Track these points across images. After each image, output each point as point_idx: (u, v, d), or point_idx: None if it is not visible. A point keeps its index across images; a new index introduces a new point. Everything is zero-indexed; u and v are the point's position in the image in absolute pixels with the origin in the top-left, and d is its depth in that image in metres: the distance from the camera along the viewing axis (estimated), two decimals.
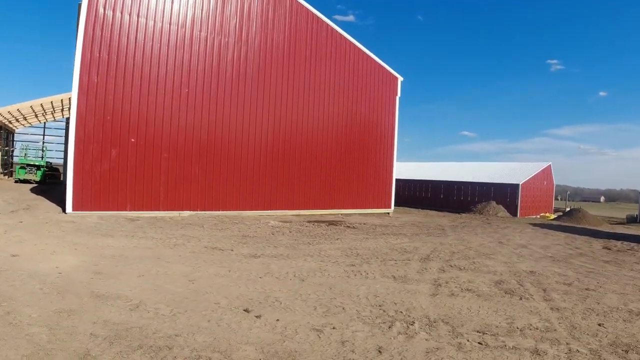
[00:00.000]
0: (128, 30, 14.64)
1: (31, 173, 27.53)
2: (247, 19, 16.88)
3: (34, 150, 31.53)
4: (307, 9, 18.11)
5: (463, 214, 29.36)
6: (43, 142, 36.96)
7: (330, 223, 16.16)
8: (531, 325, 6.02)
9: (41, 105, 28.71)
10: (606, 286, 8.54)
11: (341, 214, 18.86)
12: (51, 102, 28.88)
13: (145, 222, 13.53)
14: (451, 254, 11.18)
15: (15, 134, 35.95)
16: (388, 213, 20.47)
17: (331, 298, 6.91)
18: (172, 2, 15.43)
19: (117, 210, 14.46)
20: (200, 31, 15.90)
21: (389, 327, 5.69)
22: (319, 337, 5.20)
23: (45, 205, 15.52)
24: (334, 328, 5.55)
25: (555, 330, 5.85)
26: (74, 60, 13.89)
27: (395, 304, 6.76)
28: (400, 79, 20.53)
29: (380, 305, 6.64)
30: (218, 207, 16.04)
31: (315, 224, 15.77)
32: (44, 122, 37.50)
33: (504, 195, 36.72)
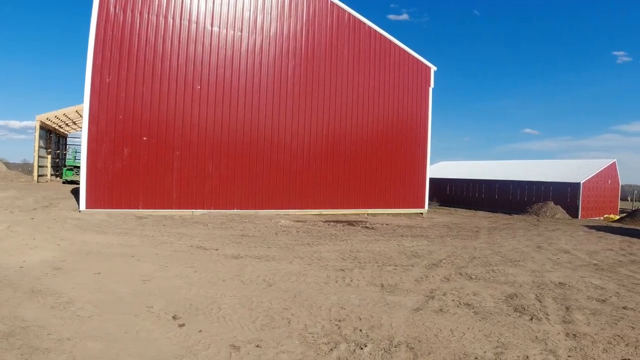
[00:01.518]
0: (139, 29, 14.23)
1: (77, 174, 28.43)
2: (262, 10, 15.96)
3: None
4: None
5: (515, 215, 26.70)
6: None
7: (349, 223, 14.79)
8: (527, 358, 4.47)
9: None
10: None
11: (367, 214, 17.38)
12: None
13: (152, 221, 12.96)
14: (470, 260, 9.50)
15: (67, 138, 37.58)
16: (422, 213, 18.68)
17: (285, 308, 5.70)
18: None
19: (129, 209, 14.05)
20: (212, 26, 15.18)
21: (330, 350, 4.43)
22: (229, 357, 4.14)
23: (67, 203, 15.45)
24: (257, 346, 4.44)
25: None
26: (86, 61, 13.71)
27: (360, 319, 5.42)
28: (433, 68, 18.60)
29: (339, 320, 5.34)
30: (233, 205, 15.18)
31: (332, 223, 14.47)
32: None
33: (563, 196, 33.14)
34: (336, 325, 5.16)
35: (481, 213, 27.55)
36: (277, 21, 16.07)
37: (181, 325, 4.89)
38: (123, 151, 14.13)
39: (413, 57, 18.26)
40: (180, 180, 14.62)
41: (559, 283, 7.76)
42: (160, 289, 6.26)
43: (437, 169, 49.06)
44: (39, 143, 25.52)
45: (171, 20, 14.65)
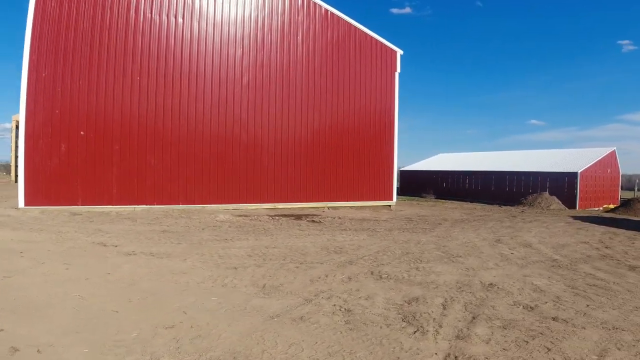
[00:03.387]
0: (75, 22, 13.06)
1: None
2: None
3: None
4: None
5: (505, 207, 24.76)
6: None
7: (297, 217, 13.27)
8: None
9: None
10: (595, 313, 5.03)
11: (328, 207, 15.77)
12: None
13: (83, 217, 11.76)
14: (400, 256, 7.95)
15: None
16: (389, 206, 17.00)
17: (116, 311, 4.31)
18: None
19: (68, 205, 12.89)
20: (151, 13, 13.79)
21: None
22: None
23: (14, 201, 14.39)
24: (38, 351, 3.54)
25: None
26: (22, 57, 12.69)
27: (192, 327, 4.25)
28: (399, 52, 16.76)
29: (166, 327, 4.11)
30: (178, 200, 13.80)
31: (277, 218, 12.98)
32: None
33: (560, 186, 30.88)
34: (155, 333, 4.01)
35: (468, 205, 25.73)
36: (221, 6, 14.60)
37: None
38: (60, 147, 13.02)
39: (376, 40, 16.53)
40: (120, 175, 13.34)
41: (489, 284, 6.18)
42: (8, 287, 5.33)
43: (435, 161, 46.99)
44: (15, 143, 24.66)
45: (109, 10, 13.37)
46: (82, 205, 13.01)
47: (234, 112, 14.58)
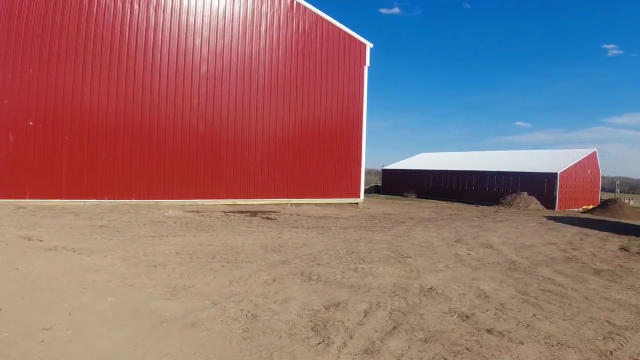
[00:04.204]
0: (27, 4, 12.16)
1: None
2: None
3: None
4: None
5: (482, 206, 24.23)
6: None
7: (252, 214, 12.51)
8: None
9: None
10: (541, 324, 4.36)
11: (291, 204, 14.98)
12: None
13: (26, 211, 10.96)
14: (342, 256, 7.26)
15: None
16: (357, 203, 16.28)
17: None
18: None
19: (14, 199, 12.03)
20: None
21: None
22: None
23: None
24: None
25: None
26: None
27: None
28: (369, 45, 16.04)
29: None
30: (131, 195, 12.94)
31: (230, 214, 12.20)
32: None
33: (540, 186, 30.45)
34: (28, 334, 3.60)
35: (444, 204, 25.16)
36: None
37: None
38: (8, 138, 12.13)
39: (345, 32, 15.79)
40: (70, 168, 12.49)
41: (429, 288, 5.50)
42: None
43: (417, 160, 46.54)
44: None
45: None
46: (29, 198, 12.17)
47: (191, 103, 13.75)
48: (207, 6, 14.13)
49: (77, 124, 12.54)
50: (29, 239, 7.47)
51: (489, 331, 4.09)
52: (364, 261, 6.88)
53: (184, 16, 13.73)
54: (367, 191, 46.87)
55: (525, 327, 4.24)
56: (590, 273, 6.96)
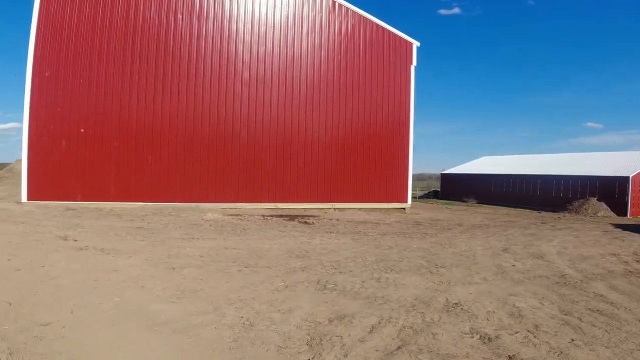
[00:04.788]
0: (77, 23, 13.05)
1: None
2: None
3: None
4: None
5: (544, 213, 22.46)
6: None
7: (291, 217, 12.28)
8: None
9: None
10: (576, 352, 3.71)
11: (335, 208, 14.59)
12: None
13: (74, 212, 11.55)
14: (370, 264, 6.81)
15: None
16: (403, 208, 15.52)
17: None
18: None
19: (67, 201, 12.82)
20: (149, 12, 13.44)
21: None
22: None
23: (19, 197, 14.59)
24: None
25: None
26: (27, 59, 12.85)
27: None
28: (415, 44, 15.23)
29: None
30: (175, 198, 13.20)
31: (269, 218, 12.06)
32: None
33: (610, 191, 27.63)
34: (26, 329, 3.67)
35: (503, 210, 23.63)
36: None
37: None
38: (61, 143, 13.06)
39: (389, 31, 15.15)
40: (119, 172, 13.09)
41: (454, 304, 4.93)
42: None
43: (479, 164, 44.25)
44: None
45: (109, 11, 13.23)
46: (81, 201, 12.90)
47: (234, 108, 13.86)
48: (255, 13, 14.27)
49: (124, 130, 13.12)
50: (65, 239, 7.75)
51: (510, 358, 3.51)
52: (391, 270, 6.40)
53: (225, 24, 13.93)
54: (425, 196, 45.41)
55: (557, 355, 3.59)
56: None
